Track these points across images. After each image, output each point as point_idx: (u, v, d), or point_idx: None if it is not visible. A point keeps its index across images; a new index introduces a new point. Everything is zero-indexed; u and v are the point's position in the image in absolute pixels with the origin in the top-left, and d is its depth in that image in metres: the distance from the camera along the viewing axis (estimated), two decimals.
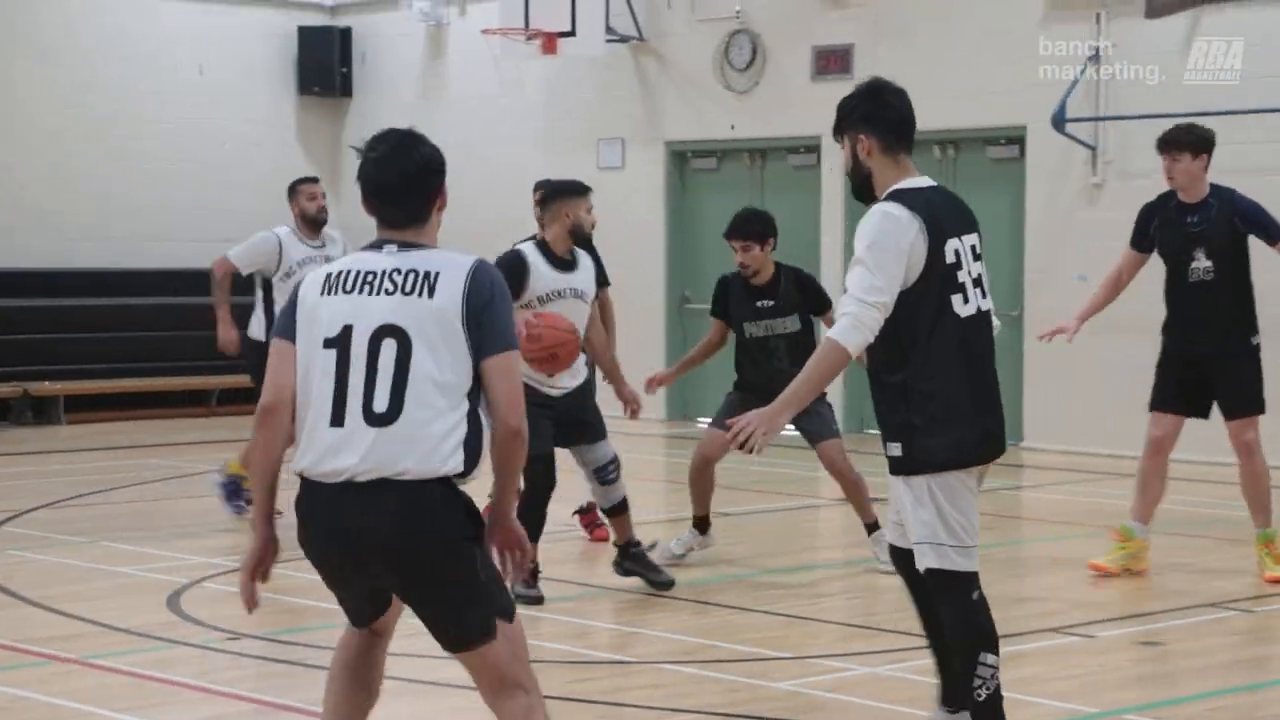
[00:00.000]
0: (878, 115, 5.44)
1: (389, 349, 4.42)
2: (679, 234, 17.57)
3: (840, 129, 5.52)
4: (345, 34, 19.77)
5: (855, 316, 5.20)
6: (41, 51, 18.20)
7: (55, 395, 17.29)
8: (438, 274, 4.48)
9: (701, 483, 9.41)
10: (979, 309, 5.42)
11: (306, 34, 19.64)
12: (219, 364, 16.03)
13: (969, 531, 5.39)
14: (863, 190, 5.51)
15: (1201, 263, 8.94)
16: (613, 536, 9.02)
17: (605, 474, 8.82)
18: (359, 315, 4.46)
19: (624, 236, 16.33)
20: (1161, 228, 9.06)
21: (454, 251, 4.60)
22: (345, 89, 19.80)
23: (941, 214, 5.35)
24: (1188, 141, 9.01)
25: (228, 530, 10.79)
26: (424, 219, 4.61)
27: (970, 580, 5.41)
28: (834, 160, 15.45)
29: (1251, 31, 13.84)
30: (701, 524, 9.53)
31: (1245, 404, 9.09)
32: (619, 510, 8.89)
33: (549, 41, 17.00)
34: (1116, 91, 14.46)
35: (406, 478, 4.39)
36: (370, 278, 4.51)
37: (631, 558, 8.90)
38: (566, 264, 8.61)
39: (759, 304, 9.34)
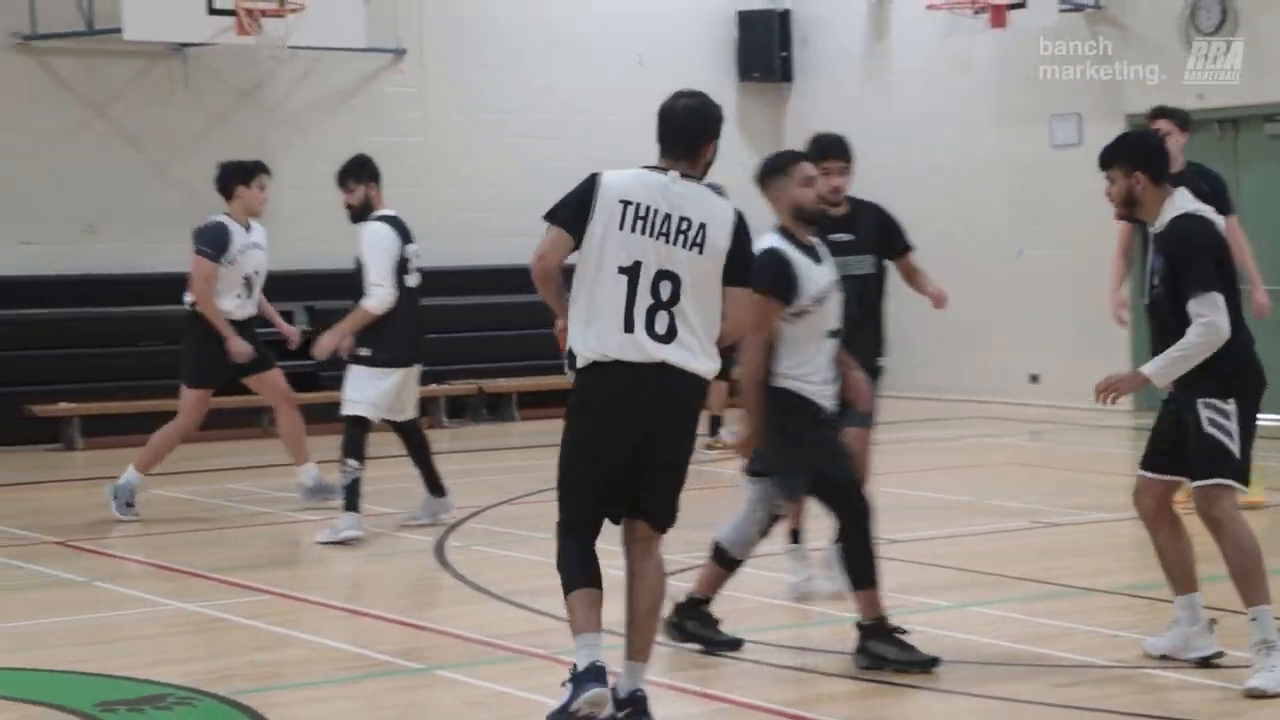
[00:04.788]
0: None
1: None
2: None
3: None
4: (784, 17, 19.44)
5: None
6: (484, 50, 18.42)
7: (509, 392, 17.48)
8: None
9: None
10: None
11: (747, 18, 19.38)
12: None
13: None
14: None
15: None
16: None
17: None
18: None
19: (1079, 218, 15.50)
20: None
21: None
22: (786, 74, 19.45)
23: None
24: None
25: (686, 527, 10.53)
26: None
27: None
28: None
29: None
30: None
31: None
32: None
33: (998, 14, 16.35)
34: None
35: None
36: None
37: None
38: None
39: None
